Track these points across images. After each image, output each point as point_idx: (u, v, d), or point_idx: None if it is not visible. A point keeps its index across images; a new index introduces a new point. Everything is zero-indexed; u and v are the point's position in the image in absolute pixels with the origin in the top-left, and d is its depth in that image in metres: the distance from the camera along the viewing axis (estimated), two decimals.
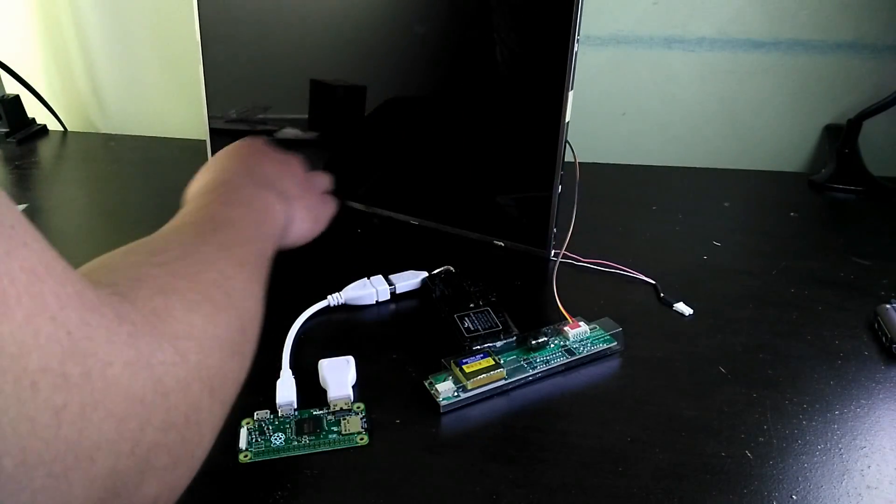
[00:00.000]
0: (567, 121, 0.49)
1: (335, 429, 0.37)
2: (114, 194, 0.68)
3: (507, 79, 0.51)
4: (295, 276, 0.53)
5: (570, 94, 0.48)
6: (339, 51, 0.58)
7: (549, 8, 0.47)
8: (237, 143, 0.50)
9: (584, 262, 0.53)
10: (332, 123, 0.62)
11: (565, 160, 0.51)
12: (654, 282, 0.50)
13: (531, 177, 0.52)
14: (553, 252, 0.53)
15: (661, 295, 0.49)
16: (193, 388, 0.26)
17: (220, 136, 0.69)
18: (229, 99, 0.67)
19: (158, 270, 0.29)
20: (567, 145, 0.50)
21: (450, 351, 0.42)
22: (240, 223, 0.38)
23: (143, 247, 0.32)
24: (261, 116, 0.66)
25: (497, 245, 0.56)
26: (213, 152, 0.70)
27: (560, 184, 0.51)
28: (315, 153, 0.64)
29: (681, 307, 0.47)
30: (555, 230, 0.53)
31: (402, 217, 0.60)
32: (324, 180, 0.54)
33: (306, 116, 0.63)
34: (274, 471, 0.35)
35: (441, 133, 0.56)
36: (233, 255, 0.34)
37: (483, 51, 0.51)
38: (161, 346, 0.25)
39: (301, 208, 0.47)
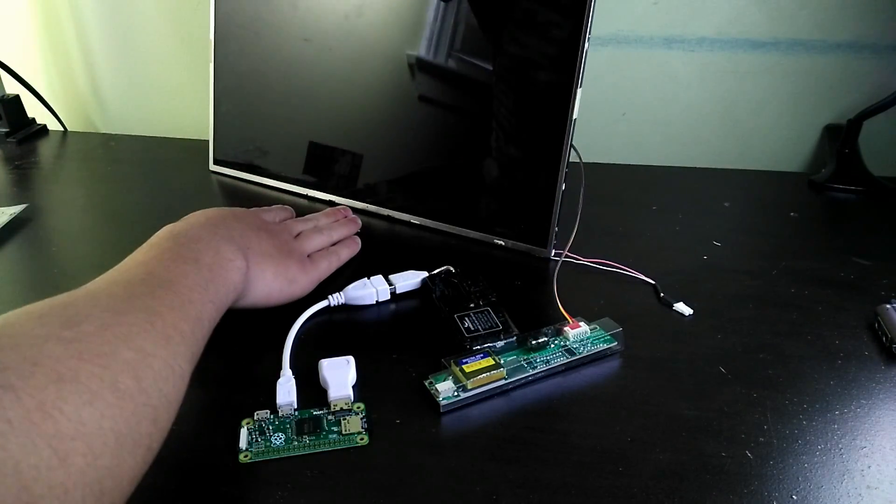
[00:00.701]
0: (574, 118, 0.49)
1: (335, 429, 0.37)
2: (114, 194, 0.68)
3: (515, 75, 0.51)
4: None
5: (580, 91, 0.48)
6: (347, 50, 0.59)
7: (563, 3, 0.47)
8: (221, 208, 0.48)
9: (585, 262, 0.53)
10: (333, 118, 0.62)
11: (570, 161, 0.51)
12: (654, 282, 0.50)
13: (535, 174, 0.52)
14: (555, 252, 0.53)
15: (661, 295, 0.49)
16: (73, 495, 0.24)
17: (224, 132, 0.69)
18: (236, 96, 0.67)
19: (63, 350, 0.27)
20: (572, 148, 0.50)
21: (450, 351, 0.42)
22: (181, 282, 0.36)
23: (61, 311, 0.30)
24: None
25: (498, 244, 0.56)
26: (215, 151, 0.70)
27: (564, 182, 0.51)
28: (314, 150, 0.64)
29: (681, 307, 0.47)
30: (556, 229, 0.53)
31: (403, 216, 0.60)
32: (312, 244, 0.51)
33: (309, 110, 0.63)
34: (274, 471, 0.35)
35: (443, 131, 0.56)
36: (161, 323, 0.32)
37: (491, 45, 0.52)
38: (36, 449, 0.23)
39: (271, 267, 0.44)
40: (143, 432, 0.29)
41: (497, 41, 0.51)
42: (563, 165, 0.50)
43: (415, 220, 0.59)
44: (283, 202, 0.61)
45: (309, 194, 0.65)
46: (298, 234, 0.51)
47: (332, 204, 0.63)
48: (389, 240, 0.58)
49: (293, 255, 0.48)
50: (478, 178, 0.55)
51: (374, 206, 0.61)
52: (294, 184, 0.65)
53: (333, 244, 0.53)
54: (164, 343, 0.32)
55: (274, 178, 0.66)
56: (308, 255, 0.50)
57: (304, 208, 0.61)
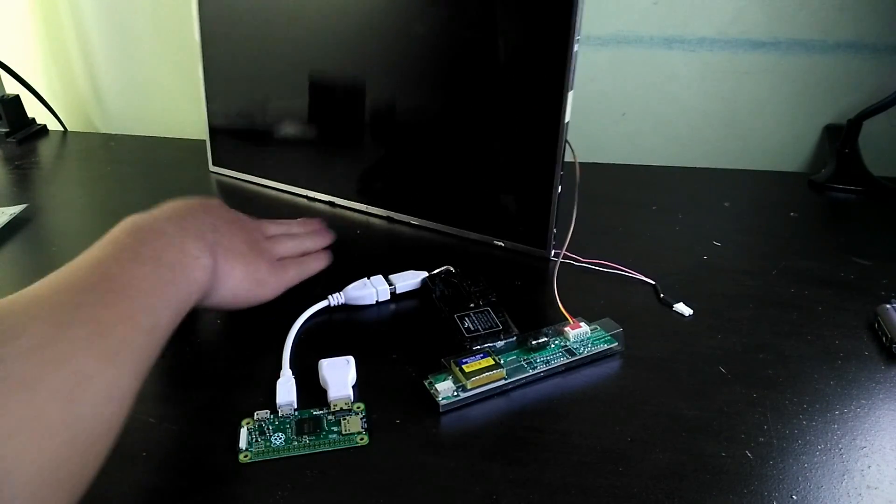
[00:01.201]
0: (567, 121, 0.49)
1: (335, 429, 0.37)
2: (114, 194, 0.68)
3: (508, 78, 0.51)
4: None
5: (570, 94, 0.48)
6: (338, 45, 0.58)
7: (549, 6, 0.47)
8: (191, 198, 0.44)
9: (584, 263, 0.53)
10: (331, 118, 0.62)
11: (565, 160, 0.51)
12: (653, 282, 0.50)
13: (531, 177, 0.52)
14: (553, 252, 0.53)
15: (661, 295, 0.49)
16: None
17: (222, 133, 0.69)
18: (229, 97, 0.67)
19: None
20: (567, 145, 0.50)
21: (450, 351, 0.42)
22: (137, 286, 0.33)
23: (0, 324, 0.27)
24: (259, 120, 0.66)
25: (497, 245, 0.56)
26: (214, 152, 0.70)
27: (560, 184, 0.51)
28: (313, 150, 0.64)
29: (681, 307, 0.47)
30: (555, 231, 0.53)
31: (402, 217, 0.60)
32: (284, 248, 0.49)
33: (305, 110, 0.63)
34: (274, 471, 0.35)
35: (441, 133, 0.56)
36: (109, 337, 0.30)
37: (484, 49, 0.51)
38: None
39: (240, 266, 0.42)
40: (72, 462, 0.27)
41: None
42: (559, 168, 0.50)
43: (414, 220, 0.59)
44: (282, 202, 0.61)
45: (308, 195, 0.65)
46: (270, 237, 0.49)
47: (332, 205, 0.63)
48: (389, 240, 0.58)
49: (264, 255, 0.46)
50: (476, 180, 0.55)
51: (374, 207, 0.61)
52: (293, 182, 0.65)
53: (305, 255, 0.51)
54: (109, 362, 0.29)
55: (273, 177, 0.66)
56: (278, 260, 0.48)
57: (302, 209, 0.62)
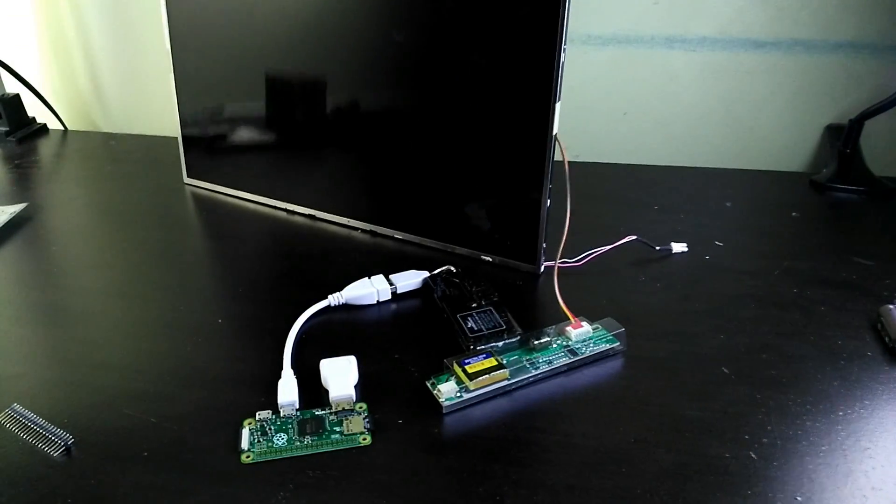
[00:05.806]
0: (555, 132, 0.47)
1: (338, 429, 0.37)
2: (114, 193, 0.67)
3: (494, 88, 0.49)
4: (295, 275, 0.53)
5: (558, 105, 0.46)
6: (320, 53, 0.56)
7: (535, 17, 0.45)
8: None
9: (576, 265, 0.52)
10: (312, 128, 0.59)
11: (555, 159, 0.49)
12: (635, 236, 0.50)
13: (519, 191, 0.50)
14: (543, 267, 0.52)
15: (657, 248, 0.49)
16: None
17: (196, 144, 0.67)
18: (203, 106, 0.65)
19: None
20: (557, 143, 0.48)
21: (452, 351, 0.42)
22: None
23: None
24: (228, 115, 0.64)
25: (485, 260, 0.54)
26: (188, 163, 0.68)
27: (549, 198, 0.49)
28: (293, 161, 0.62)
29: (677, 246, 0.54)
30: (544, 245, 0.51)
31: (385, 231, 0.58)
32: None
33: (278, 119, 0.61)
34: (276, 471, 0.35)
35: (427, 145, 0.54)
36: None
37: (468, 58, 0.49)
38: None
39: None
40: None
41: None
42: (547, 182, 0.48)
43: (398, 234, 0.57)
44: (261, 216, 0.59)
45: (288, 208, 0.63)
46: None
47: (312, 218, 0.61)
48: (372, 255, 0.56)
49: None
50: (462, 193, 0.53)
51: (355, 221, 0.59)
52: (271, 195, 0.63)
53: None
54: None
55: (251, 189, 0.64)
56: None
57: (281, 222, 0.60)
